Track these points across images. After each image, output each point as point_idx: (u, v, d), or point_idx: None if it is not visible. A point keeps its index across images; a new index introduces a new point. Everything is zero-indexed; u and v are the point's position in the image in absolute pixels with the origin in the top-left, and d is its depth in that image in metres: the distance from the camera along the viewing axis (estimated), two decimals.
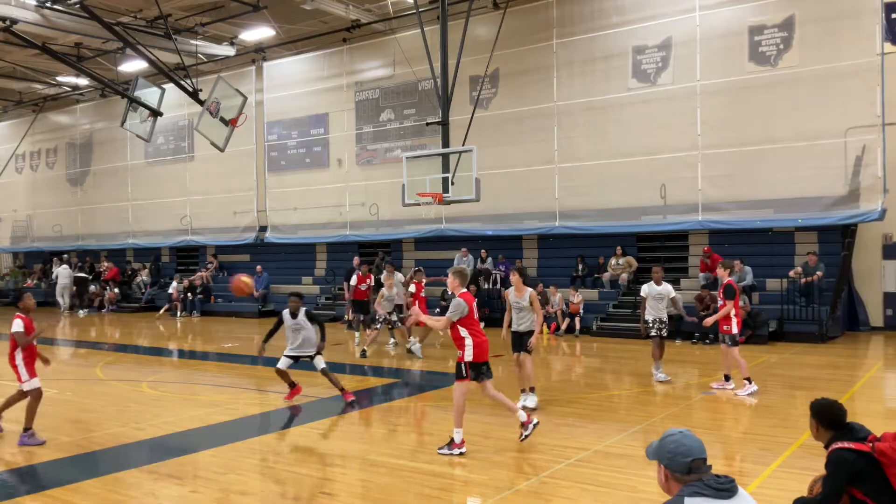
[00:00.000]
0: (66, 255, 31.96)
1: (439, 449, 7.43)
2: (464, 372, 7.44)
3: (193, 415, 9.33)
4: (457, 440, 7.39)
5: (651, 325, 11.51)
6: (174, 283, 25.57)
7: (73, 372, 13.21)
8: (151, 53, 18.85)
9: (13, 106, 32.03)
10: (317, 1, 19.51)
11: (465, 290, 7.68)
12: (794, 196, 16.43)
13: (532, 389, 9.59)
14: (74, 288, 27.88)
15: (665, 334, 11.53)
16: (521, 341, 9.52)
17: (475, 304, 7.66)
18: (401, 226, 22.24)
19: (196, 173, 27.38)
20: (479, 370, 7.52)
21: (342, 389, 9.88)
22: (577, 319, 17.48)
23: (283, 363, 9.92)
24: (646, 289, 11.72)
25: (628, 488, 6.22)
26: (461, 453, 7.31)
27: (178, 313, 24.86)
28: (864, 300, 17.29)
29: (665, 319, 11.55)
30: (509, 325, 9.74)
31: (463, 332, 7.47)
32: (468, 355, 7.42)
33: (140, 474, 6.83)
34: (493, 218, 20.49)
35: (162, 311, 25.16)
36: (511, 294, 9.57)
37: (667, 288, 11.64)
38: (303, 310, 9.94)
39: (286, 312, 9.92)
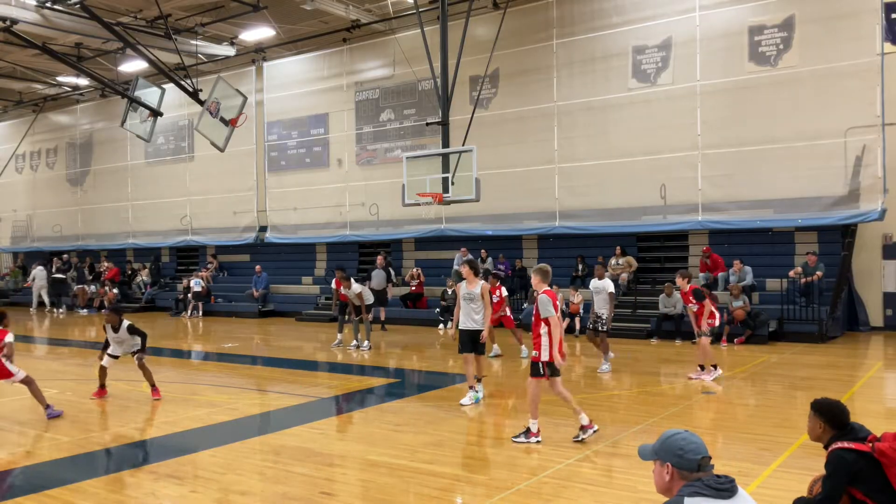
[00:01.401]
0: (65, 256, 32.05)
1: (514, 437, 7.61)
2: (541, 370, 7.55)
3: (193, 415, 9.33)
4: (533, 430, 7.57)
5: (589, 318, 12.35)
6: (197, 281, 25.29)
7: (73, 372, 13.20)
8: (151, 53, 18.86)
9: (13, 106, 32.04)
10: (317, 1, 19.51)
11: (548, 287, 7.72)
12: (794, 196, 16.44)
13: (479, 380, 9.93)
14: (50, 288, 28.09)
15: (602, 328, 12.11)
16: (470, 339, 9.69)
17: (555, 301, 7.66)
18: (401, 226, 22.24)
19: (196, 173, 27.38)
20: (553, 368, 7.59)
21: (153, 386, 10.35)
22: (577, 319, 17.47)
23: (106, 361, 10.31)
24: (591, 284, 12.52)
25: (628, 488, 6.22)
26: (538, 441, 7.50)
27: (192, 312, 24.70)
28: (864, 300, 17.29)
29: (601, 314, 12.13)
30: (457, 324, 9.89)
31: (542, 329, 7.54)
32: (545, 354, 7.51)
33: (140, 474, 6.83)
34: (493, 218, 20.50)
35: (197, 312, 24.90)
36: (462, 287, 9.81)
37: (604, 283, 12.17)
38: (125, 323, 10.22)
39: (108, 327, 10.27)
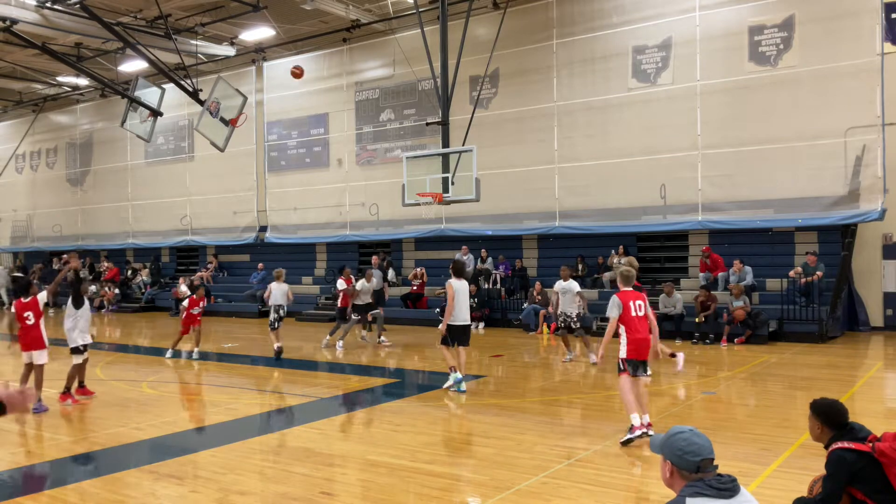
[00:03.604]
0: (65, 256, 32.00)
1: (622, 440, 7.47)
2: (620, 366, 7.76)
3: (193, 415, 9.34)
4: (635, 424, 7.49)
5: (559, 317, 13.17)
6: (183, 287, 25.47)
7: None
8: (151, 53, 18.85)
9: (13, 106, 32.04)
10: (317, 1, 19.51)
11: (627, 288, 7.91)
12: (794, 196, 16.43)
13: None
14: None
15: (573, 326, 13.03)
16: (457, 333, 10.73)
17: (634, 301, 7.78)
18: (401, 226, 22.24)
19: (196, 173, 27.38)
20: (635, 366, 7.74)
21: (81, 385, 10.40)
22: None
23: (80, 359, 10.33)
24: (556, 286, 13.26)
25: (628, 488, 6.22)
26: (641, 435, 7.41)
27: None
28: (864, 300, 17.28)
29: (570, 313, 13.01)
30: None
31: (620, 329, 7.79)
32: (622, 352, 7.75)
33: (140, 474, 6.83)
34: (493, 218, 20.49)
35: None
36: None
37: (569, 284, 13.11)
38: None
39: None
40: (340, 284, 16.05)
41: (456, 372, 10.64)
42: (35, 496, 6.19)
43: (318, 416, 9.28)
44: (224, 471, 6.84)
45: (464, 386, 10.56)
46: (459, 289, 10.69)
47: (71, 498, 6.14)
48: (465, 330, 10.75)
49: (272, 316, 14.68)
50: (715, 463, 2.95)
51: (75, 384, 10.28)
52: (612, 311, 7.78)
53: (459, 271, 10.87)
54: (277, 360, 14.05)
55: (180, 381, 12.39)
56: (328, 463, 7.07)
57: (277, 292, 14.74)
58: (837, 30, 15.95)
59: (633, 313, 7.73)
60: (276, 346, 14.31)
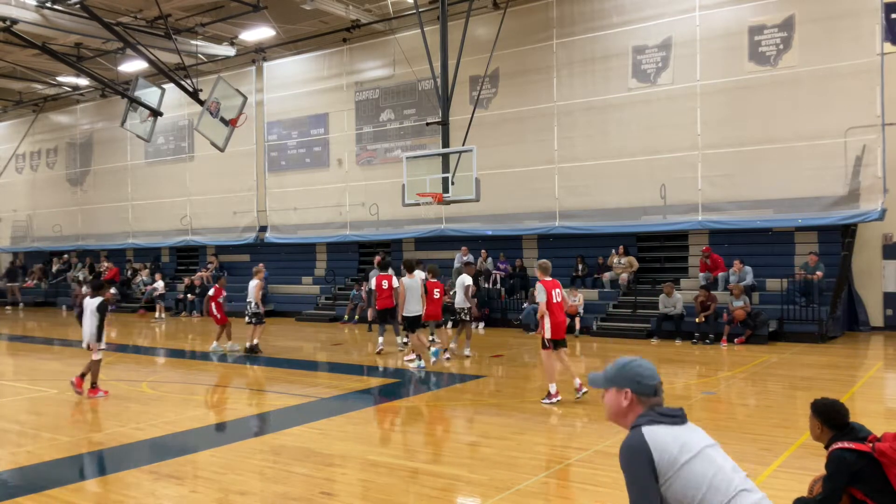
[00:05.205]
0: (66, 256, 32.04)
1: (542, 400, 9.41)
2: (545, 344, 9.49)
3: (193, 415, 9.34)
4: (552, 392, 9.35)
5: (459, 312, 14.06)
6: (160, 283, 25.90)
7: (74, 372, 13.14)
8: (151, 53, 18.85)
9: (13, 106, 32.04)
10: (317, 1, 19.50)
11: (547, 278, 9.49)
12: (794, 196, 16.43)
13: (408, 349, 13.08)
14: None
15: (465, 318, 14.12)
16: (411, 323, 12.66)
17: (554, 290, 9.44)
18: (401, 226, 22.25)
19: (196, 173, 27.38)
20: (556, 343, 9.47)
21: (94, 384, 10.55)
22: (577, 319, 17.44)
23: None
24: (462, 280, 14.30)
25: None
26: (559, 401, 9.29)
27: (159, 315, 24.96)
28: (864, 300, 17.28)
29: (463, 307, 13.98)
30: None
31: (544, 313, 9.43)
32: (546, 332, 9.39)
33: (140, 474, 6.83)
34: (493, 218, 20.49)
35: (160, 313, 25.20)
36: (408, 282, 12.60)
37: (466, 279, 14.26)
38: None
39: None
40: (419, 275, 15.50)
41: (420, 360, 12.59)
42: (35, 496, 6.19)
43: (318, 416, 9.28)
44: (224, 471, 6.84)
45: (437, 357, 12.76)
46: (409, 286, 12.41)
47: (71, 498, 6.14)
48: (417, 319, 12.70)
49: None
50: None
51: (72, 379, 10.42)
52: (540, 296, 9.36)
53: (410, 268, 12.59)
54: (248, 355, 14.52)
55: (180, 381, 12.39)
56: (328, 463, 7.06)
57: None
58: (837, 30, 15.95)
59: (554, 300, 9.42)
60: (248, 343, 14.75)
